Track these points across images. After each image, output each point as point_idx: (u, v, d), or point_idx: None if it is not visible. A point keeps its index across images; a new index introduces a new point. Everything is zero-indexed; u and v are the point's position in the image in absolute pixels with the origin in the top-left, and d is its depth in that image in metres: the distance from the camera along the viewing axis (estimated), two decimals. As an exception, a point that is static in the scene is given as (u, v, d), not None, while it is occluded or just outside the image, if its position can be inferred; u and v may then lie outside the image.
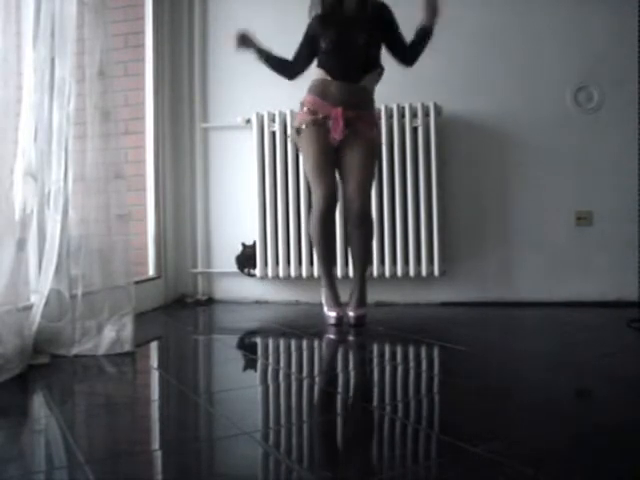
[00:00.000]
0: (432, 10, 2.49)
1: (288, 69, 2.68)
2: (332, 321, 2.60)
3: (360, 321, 2.58)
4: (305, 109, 2.57)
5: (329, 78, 2.53)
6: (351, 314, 2.59)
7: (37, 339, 2.05)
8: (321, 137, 2.52)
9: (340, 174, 2.61)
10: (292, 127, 2.70)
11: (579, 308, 2.94)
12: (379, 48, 2.60)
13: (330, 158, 2.55)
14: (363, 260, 2.66)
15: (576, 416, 1.46)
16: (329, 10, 2.58)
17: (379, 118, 2.88)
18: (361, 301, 2.65)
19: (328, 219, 2.55)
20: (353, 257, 2.69)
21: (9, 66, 1.92)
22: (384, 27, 2.58)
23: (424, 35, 2.55)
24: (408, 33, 2.60)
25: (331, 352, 2.27)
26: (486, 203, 3.17)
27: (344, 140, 2.52)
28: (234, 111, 3.33)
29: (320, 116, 2.52)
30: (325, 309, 2.68)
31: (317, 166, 2.53)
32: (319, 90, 2.54)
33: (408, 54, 2.61)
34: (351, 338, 2.45)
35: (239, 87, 3.38)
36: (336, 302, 2.65)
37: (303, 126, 2.56)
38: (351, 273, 2.78)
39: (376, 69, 2.58)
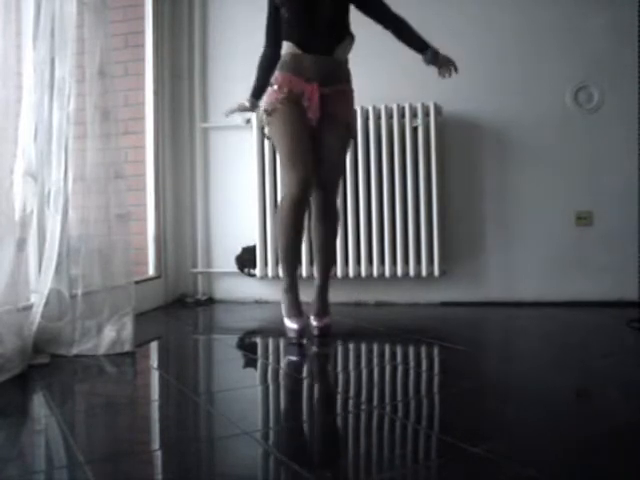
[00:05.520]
0: (447, 68, 2.35)
1: (272, 63, 2.37)
2: (292, 334, 2.29)
3: (325, 331, 2.35)
4: (276, 87, 2.29)
5: (299, 51, 2.27)
6: (315, 324, 2.38)
7: (37, 339, 2.05)
8: (296, 116, 2.25)
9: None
10: (262, 110, 2.40)
11: (579, 308, 2.94)
12: (348, 13, 2.36)
13: (306, 140, 2.27)
14: (326, 259, 2.42)
15: (576, 416, 1.46)
16: None
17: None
18: (326, 308, 2.42)
19: (300, 208, 2.24)
20: (316, 255, 2.45)
21: (9, 66, 1.92)
22: None
23: (417, 49, 2.37)
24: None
25: (331, 352, 2.26)
26: (486, 203, 3.17)
27: (320, 122, 2.28)
28: (234, 111, 3.33)
29: (294, 94, 2.25)
30: (285, 319, 2.36)
31: (293, 147, 2.24)
32: (291, 66, 2.28)
33: (396, 25, 2.36)
34: (350, 338, 2.44)
35: (239, 87, 3.35)
36: (298, 311, 2.34)
37: (278, 105, 2.27)
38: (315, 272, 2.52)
39: (346, 38, 2.34)
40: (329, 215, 2.37)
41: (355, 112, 2.51)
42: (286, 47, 2.31)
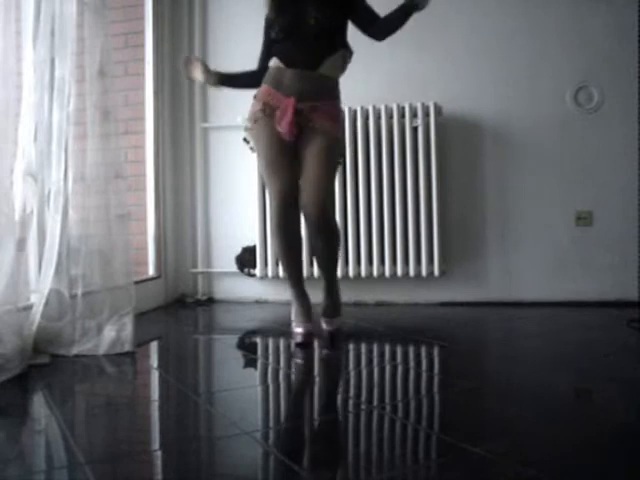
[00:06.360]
0: None
1: (256, 74, 2.35)
2: (298, 339, 2.26)
3: (333, 335, 2.37)
4: (255, 101, 2.29)
5: (283, 66, 2.23)
6: (324, 326, 2.39)
7: (37, 339, 2.05)
8: (273, 129, 2.20)
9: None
10: (245, 123, 2.38)
11: (579, 308, 2.94)
12: (340, 28, 2.27)
13: (285, 151, 2.21)
14: (328, 270, 2.36)
15: (576, 416, 1.46)
16: None
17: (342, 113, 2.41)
18: (334, 310, 2.40)
19: (288, 219, 2.19)
20: (318, 267, 2.44)
21: (9, 66, 1.93)
22: (345, 2, 2.26)
23: (408, 12, 2.17)
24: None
25: (331, 351, 2.26)
26: (486, 203, 3.17)
27: (301, 138, 2.21)
28: (234, 111, 3.32)
29: (270, 107, 2.22)
30: (293, 325, 2.33)
31: (270, 159, 2.22)
32: (272, 79, 2.25)
33: (382, 28, 2.26)
34: (350, 338, 2.44)
35: (239, 87, 3.38)
36: (304, 317, 2.30)
37: (256, 117, 2.26)
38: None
39: (338, 51, 2.25)
40: (322, 231, 2.22)
41: (343, 131, 2.35)
42: (273, 62, 2.29)
